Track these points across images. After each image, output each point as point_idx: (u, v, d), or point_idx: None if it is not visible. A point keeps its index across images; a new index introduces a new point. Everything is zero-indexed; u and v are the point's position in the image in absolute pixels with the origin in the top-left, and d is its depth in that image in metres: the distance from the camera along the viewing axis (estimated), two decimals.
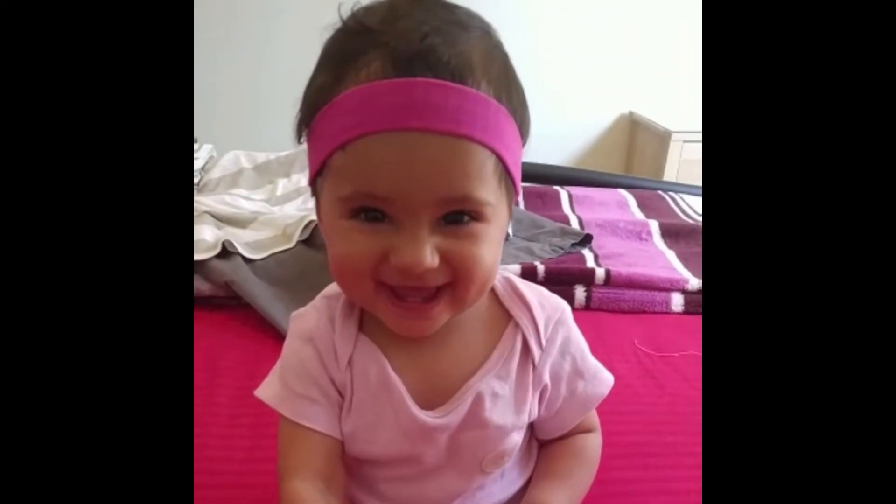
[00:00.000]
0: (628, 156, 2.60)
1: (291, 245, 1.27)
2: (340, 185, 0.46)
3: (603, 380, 0.60)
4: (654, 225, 1.52)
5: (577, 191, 1.77)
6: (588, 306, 1.19)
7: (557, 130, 2.46)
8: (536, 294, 0.58)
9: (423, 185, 0.44)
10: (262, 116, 2.26)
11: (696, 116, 2.23)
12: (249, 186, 1.65)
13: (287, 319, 0.59)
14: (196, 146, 1.76)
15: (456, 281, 0.47)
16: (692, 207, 1.68)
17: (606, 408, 0.61)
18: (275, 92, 2.20)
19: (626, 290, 1.20)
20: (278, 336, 1.01)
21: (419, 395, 0.54)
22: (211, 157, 1.81)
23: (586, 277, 1.21)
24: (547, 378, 0.57)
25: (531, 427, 0.61)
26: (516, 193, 0.50)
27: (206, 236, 1.24)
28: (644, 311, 1.19)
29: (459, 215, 0.46)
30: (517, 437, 0.57)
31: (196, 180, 1.66)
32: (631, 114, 2.55)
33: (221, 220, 1.39)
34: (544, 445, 0.63)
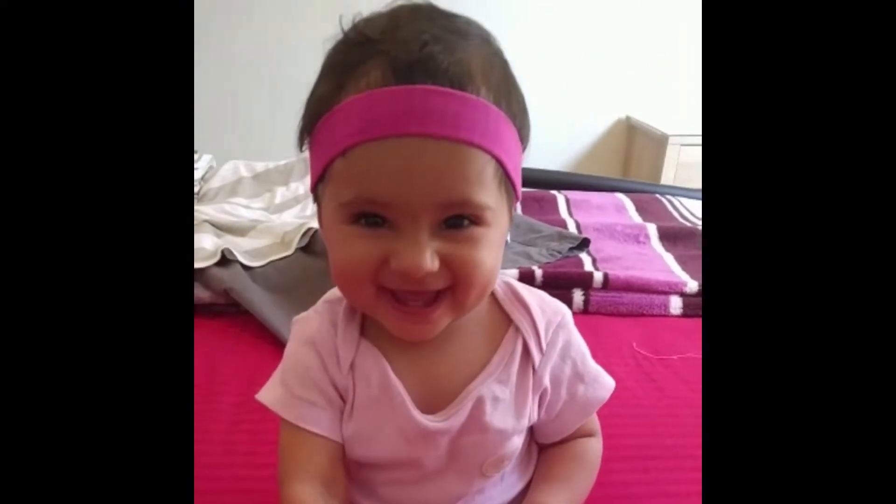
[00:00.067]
0: (626, 160, 2.61)
1: (290, 252, 1.27)
2: (341, 191, 0.46)
3: (604, 384, 0.60)
4: (651, 228, 1.52)
5: (575, 195, 1.77)
6: (586, 310, 1.19)
7: (555, 135, 2.47)
8: (537, 298, 0.58)
9: (423, 190, 0.44)
10: (261, 127, 2.27)
11: (692, 120, 2.24)
12: (248, 195, 1.66)
13: (286, 326, 0.59)
14: (196, 156, 1.77)
15: (456, 285, 0.47)
16: (690, 210, 1.68)
17: (605, 411, 0.61)
18: (274, 103, 2.23)
19: (625, 293, 1.20)
20: (277, 343, 1.01)
21: (420, 399, 0.54)
22: (211, 167, 1.83)
23: (584, 281, 1.21)
24: (547, 382, 0.57)
25: (531, 431, 0.61)
26: (517, 198, 0.50)
27: (206, 245, 1.24)
28: (642, 315, 1.19)
29: (459, 219, 0.46)
30: (517, 441, 0.57)
31: (196, 190, 1.67)
32: (628, 118, 2.55)
33: (221, 228, 1.39)
34: (544, 449, 0.63)
